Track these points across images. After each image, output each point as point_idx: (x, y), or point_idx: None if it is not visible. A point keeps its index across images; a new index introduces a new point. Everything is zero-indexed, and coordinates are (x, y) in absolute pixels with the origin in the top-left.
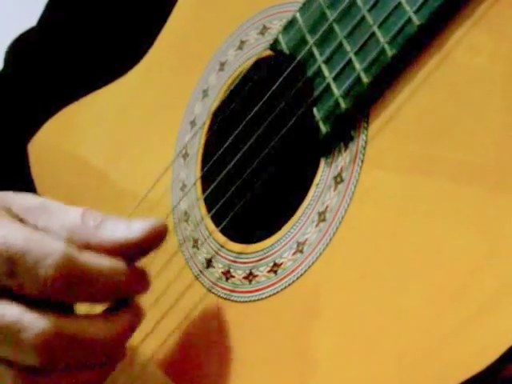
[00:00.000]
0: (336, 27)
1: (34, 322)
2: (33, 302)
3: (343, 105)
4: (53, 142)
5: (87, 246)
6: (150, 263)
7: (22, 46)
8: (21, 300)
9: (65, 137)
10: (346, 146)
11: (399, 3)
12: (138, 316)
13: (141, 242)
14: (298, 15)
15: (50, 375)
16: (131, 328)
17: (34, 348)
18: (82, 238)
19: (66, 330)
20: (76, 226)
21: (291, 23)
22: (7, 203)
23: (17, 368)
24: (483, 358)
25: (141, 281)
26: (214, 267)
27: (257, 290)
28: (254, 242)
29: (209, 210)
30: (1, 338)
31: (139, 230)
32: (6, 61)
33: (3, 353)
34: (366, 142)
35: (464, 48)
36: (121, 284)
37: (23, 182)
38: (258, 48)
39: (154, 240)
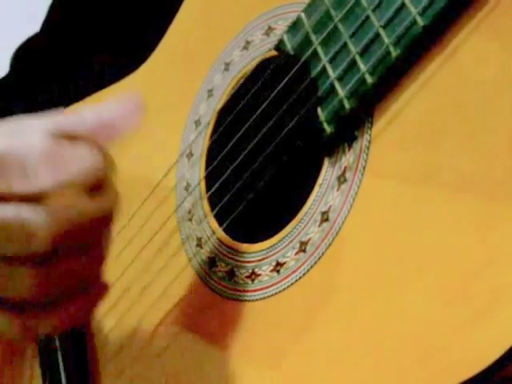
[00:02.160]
0: (340, 27)
1: (33, 210)
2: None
3: (347, 105)
4: None
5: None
6: (153, 261)
7: (27, 51)
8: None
9: None
10: (350, 146)
11: (403, 4)
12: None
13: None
14: (302, 15)
15: (53, 264)
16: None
17: (41, 231)
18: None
19: (66, 212)
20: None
21: (296, 23)
22: None
23: (23, 262)
24: (483, 358)
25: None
26: (217, 266)
27: (259, 289)
28: (257, 242)
29: (212, 209)
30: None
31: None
32: (12, 66)
33: (3, 249)
34: (369, 142)
35: (468, 50)
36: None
37: None
38: (263, 48)
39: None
